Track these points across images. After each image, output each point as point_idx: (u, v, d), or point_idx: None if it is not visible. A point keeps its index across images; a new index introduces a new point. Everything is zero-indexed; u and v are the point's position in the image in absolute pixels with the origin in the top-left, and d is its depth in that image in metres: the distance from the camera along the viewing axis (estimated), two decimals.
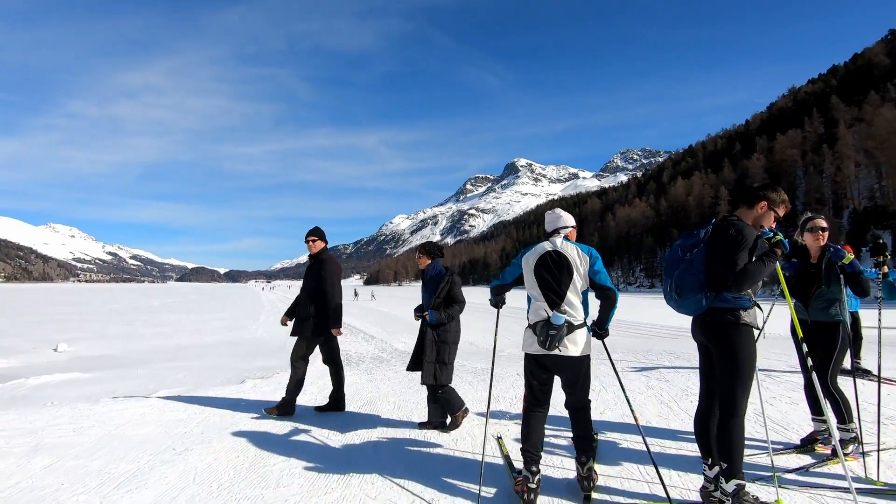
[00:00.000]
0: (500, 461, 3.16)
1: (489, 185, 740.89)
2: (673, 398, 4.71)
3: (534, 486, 2.49)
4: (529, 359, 2.71)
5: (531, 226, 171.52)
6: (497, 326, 3.40)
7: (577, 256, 2.61)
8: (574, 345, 2.54)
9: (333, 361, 4.68)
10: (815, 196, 64.38)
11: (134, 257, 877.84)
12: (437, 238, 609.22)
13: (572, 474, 2.79)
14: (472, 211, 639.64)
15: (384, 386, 5.80)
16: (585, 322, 2.64)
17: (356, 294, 47.71)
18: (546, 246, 2.69)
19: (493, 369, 3.53)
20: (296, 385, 4.45)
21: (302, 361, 4.55)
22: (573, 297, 2.60)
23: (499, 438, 3.62)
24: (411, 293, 69.38)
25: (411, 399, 5.01)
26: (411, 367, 4.04)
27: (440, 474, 2.92)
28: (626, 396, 2.85)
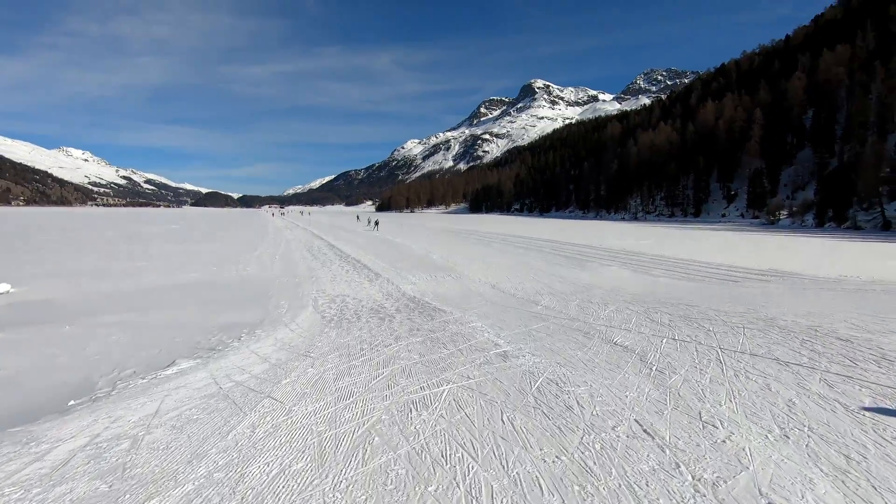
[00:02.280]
0: None
1: (504, 108, 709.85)
2: None
3: None
4: None
5: (547, 151, 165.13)
6: None
7: None
8: None
9: None
10: (859, 120, 59.29)
11: (148, 182, 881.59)
12: (449, 164, 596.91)
13: None
14: (486, 136, 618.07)
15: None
16: None
17: (359, 219, 46.64)
18: None
19: None
20: None
21: None
22: None
23: None
24: (421, 220, 68.18)
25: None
26: None
27: None
28: None
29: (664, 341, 6.13)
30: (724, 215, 72.21)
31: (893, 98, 57.15)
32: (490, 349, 5.87)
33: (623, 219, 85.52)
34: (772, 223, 56.37)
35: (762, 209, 64.67)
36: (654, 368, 5.11)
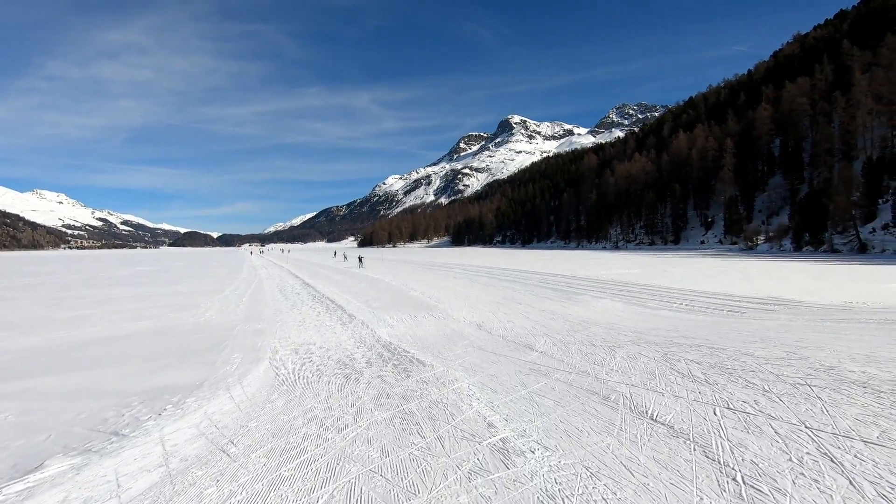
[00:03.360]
0: None
1: (483, 143, 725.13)
2: None
3: None
4: None
5: (526, 184, 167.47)
6: None
7: None
8: None
9: None
10: (825, 147, 61.41)
11: (125, 223, 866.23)
12: (430, 198, 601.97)
13: None
14: (466, 170, 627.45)
15: None
16: None
17: (336, 255, 45.49)
18: None
19: None
20: None
21: None
22: None
23: None
24: (403, 255, 67.16)
25: None
26: None
27: None
28: None
29: (719, 414, 4.59)
30: (703, 242, 73.04)
31: (855, 126, 59.44)
32: (483, 435, 4.30)
33: (604, 248, 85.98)
34: (750, 248, 56.99)
35: (739, 235, 65.62)
36: (737, 479, 3.43)
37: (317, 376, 6.39)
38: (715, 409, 4.74)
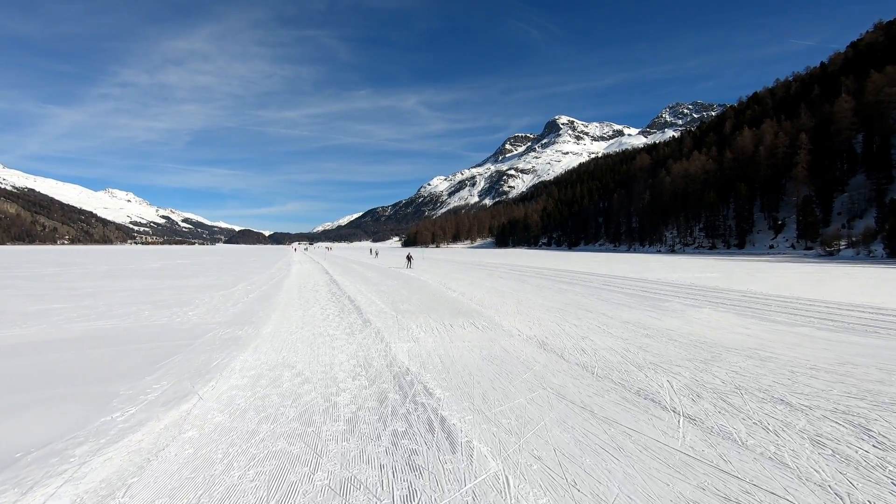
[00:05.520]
0: None
1: (529, 144, 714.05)
2: None
3: None
4: None
5: (574, 184, 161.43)
6: None
7: None
8: None
9: None
10: None
11: (185, 220, 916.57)
12: (474, 200, 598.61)
13: None
14: (511, 171, 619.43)
15: None
16: None
17: (371, 252, 43.81)
18: None
19: None
20: None
21: None
22: None
23: None
24: (445, 255, 64.70)
25: None
26: None
27: None
28: None
29: None
30: (771, 246, 66.36)
31: None
32: None
33: (659, 251, 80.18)
34: (830, 254, 50.68)
35: (815, 239, 58.97)
36: None
37: (247, 440, 3.81)
38: None
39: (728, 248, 73.42)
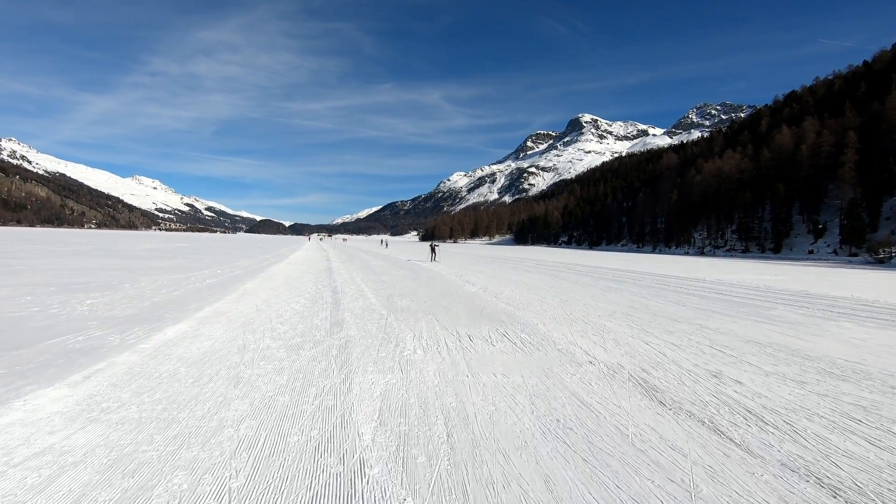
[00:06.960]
0: None
1: (551, 141, 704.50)
2: None
3: None
4: None
5: (597, 183, 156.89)
6: None
7: None
8: None
9: None
10: None
11: (209, 209, 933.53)
12: (494, 196, 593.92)
13: None
14: (532, 169, 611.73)
15: None
16: None
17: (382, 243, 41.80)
18: None
19: None
20: None
21: None
22: None
23: None
24: (463, 249, 62.15)
25: None
26: None
27: None
28: None
29: None
30: (811, 252, 62.01)
31: None
32: None
33: (687, 253, 76.07)
34: (880, 262, 46.52)
35: (861, 245, 54.62)
36: None
37: None
38: None
39: (763, 251, 69.16)
